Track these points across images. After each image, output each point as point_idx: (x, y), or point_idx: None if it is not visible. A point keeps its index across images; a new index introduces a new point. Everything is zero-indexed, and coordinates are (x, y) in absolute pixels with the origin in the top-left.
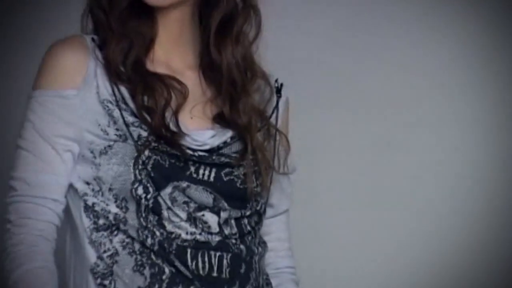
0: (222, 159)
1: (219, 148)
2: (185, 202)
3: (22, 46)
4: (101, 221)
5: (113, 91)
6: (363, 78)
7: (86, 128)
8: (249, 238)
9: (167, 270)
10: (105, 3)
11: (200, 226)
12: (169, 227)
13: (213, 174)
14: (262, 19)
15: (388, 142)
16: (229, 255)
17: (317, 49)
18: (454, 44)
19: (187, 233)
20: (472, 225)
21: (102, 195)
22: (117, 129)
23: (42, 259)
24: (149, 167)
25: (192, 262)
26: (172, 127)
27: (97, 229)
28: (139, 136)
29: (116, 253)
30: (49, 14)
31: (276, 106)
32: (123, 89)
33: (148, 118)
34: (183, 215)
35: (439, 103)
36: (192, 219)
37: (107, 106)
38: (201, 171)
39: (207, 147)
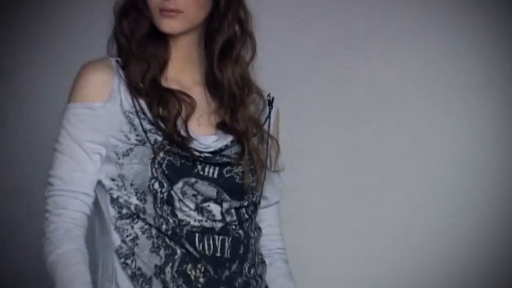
0: (224, 159)
1: (221, 150)
2: (193, 195)
3: (60, 64)
4: (124, 211)
5: (133, 103)
6: (351, 83)
7: (111, 134)
8: (247, 224)
9: (178, 251)
10: (127, 31)
11: (206, 214)
12: (180, 215)
13: (216, 172)
14: (257, 42)
15: (381, 145)
16: (230, 238)
17: (307, 66)
18: (451, 45)
19: (195, 221)
20: (471, 225)
21: (125, 189)
22: (137, 135)
23: (75, 243)
24: (163, 166)
25: (199, 244)
26: (183, 133)
27: (121, 217)
28: (155, 140)
29: (137, 237)
30: (81, 38)
31: (269, 116)
32: (142, 102)
33: (163, 126)
34: (192, 206)
35: (434, 106)
36: (199, 209)
37: (129, 116)
38: (206, 169)
39: (211, 150)
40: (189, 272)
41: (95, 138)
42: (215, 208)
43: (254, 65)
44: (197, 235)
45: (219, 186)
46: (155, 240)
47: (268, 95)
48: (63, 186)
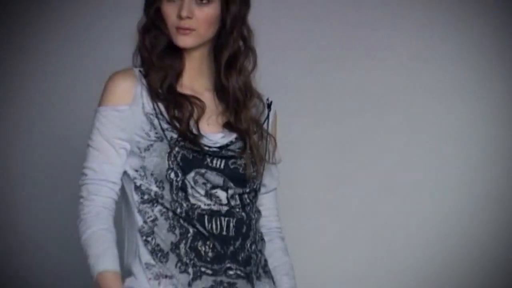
0: (229, 153)
1: (227, 145)
2: (203, 183)
3: (91, 75)
4: (145, 197)
5: (153, 106)
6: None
7: (135, 132)
8: (248, 208)
9: (191, 230)
10: (149, 46)
11: (214, 199)
12: (192, 200)
13: (223, 163)
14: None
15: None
16: (234, 219)
17: (301, 73)
18: (451, 45)
19: (205, 205)
20: (471, 224)
21: (146, 178)
22: (156, 133)
23: (105, 223)
24: (178, 159)
25: (208, 224)
26: (194, 131)
27: (143, 202)
28: (171, 137)
29: (156, 218)
30: (109, 50)
31: (267, 117)
32: (160, 105)
33: (178, 125)
34: (202, 192)
35: (434, 106)
36: (208, 195)
37: (149, 117)
38: (214, 161)
39: (218, 145)
40: (199, 248)
41: (121, 135)
42: (221, 194)
43: (255, 74)
44: (206, 217)
45: (225, 176)
46: (171, 221)
47: (267, 99)
48: (94, 176)
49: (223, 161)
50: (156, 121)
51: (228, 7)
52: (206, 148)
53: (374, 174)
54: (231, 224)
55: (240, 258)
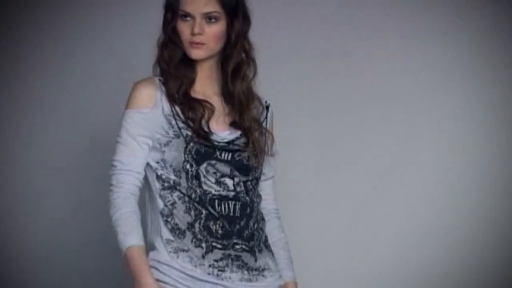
0: (235, 147)
1: (233, 141)
2: (213, 172)
3: (117, 82)
4: (165, 184)
5: (171, 109)
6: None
7: (155, 130)
8: (251, 193)
9: (204, 212)
10: (167, 58)
11: (223, 186)
12: (204, 187)
13: (229, 156)
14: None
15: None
16: (240, 203)
17: (296, 78)
18: (451, 45)
19: (215, 190)
20: (470, 224)
21: (166, 169)
22: (174, 131)
23: (131, 206)
24: (192, 152)
25: (218, 207)
26: (206, 129)
27: (163, 189)
28: (187, 135)
29: (175, 202)
30: (133, 61)
31: (266, 117)
32: (177, 108)
33: (192, 124)
34: (213, 180)
35: (434, 106)
36: (218, 182)
37: (168, 118)
38: (223, 154)
39: (226, 140)
40: (211, 227)
41: (144, 133)
42: (229, 182)
43: (255, 80)
44: (216, 201)
45: (232, 166)
46: (187, 204)
47: (266, 101)
48: (122, 167)
49: (230, 154)
50: (173, 121)
51: (232, 25)
52: (216, 143)
53: (364, 170)
54: (237, 207)
55: (245, 235)
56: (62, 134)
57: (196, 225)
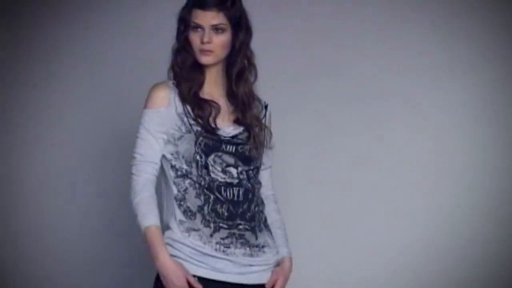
0: (238, 141)
1: (236, 135)
2: (220, 163)
3: (134, 85)
4: (179, 173)
5: (183, 108)
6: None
7: (170, 126)
8: (252, 180)
9: (212, 197)
10: (180, 63)
11: (228, 174)
12: (212, 175)
13: (234, 148)
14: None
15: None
16: (243, 189)
17: (291, 80)
18: (452, 45)
19: (221, 178)
20: (470, 224)
21: (179, 160)
22: (185, 127)
23: (149, 192)
24: (202, 146)
25: (224, 193)
26: (213, 125)
27: (177, 177)
28: (197, 130)
29: (187, 189)
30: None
31: (265, 115)
32: (188, 107)
33: (201, 122)
34: (219, 169)
35: (434, 106)
36: (224, 171)
37: (180, 116)
38: (228, 147)
39: (230, 135)
40: (218, 210)
41: (160, 129)
42: (233, 171)
43: (256, 83)
44: (223, 187)
45: (235, 157)
46: (198, 190)
47: (264, 102)
48: (141, 158)
49: (234, 147)
50: (185, 119)
51: (237, 35)
52: (222, 138)
53: (352, 162)
54: (240, 192)
55: (247, 216)
56: (86, 131)
57: (205, 208)
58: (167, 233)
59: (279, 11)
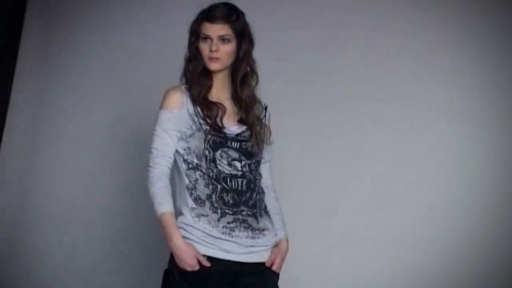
0: (242, 138)
1: (240, 133)
2: (226, 157)
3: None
4: (190, 166)
5: (194, 109)
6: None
7: (182, 125)
8: (254, 172)
9: (219, 186)
10: (191, 70)
11: (233, 167)
12: (219, 168)
13: (238, 145)
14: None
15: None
16: (246, 179)
17: (288, 83)
18: (453, 46)
19: (227, 171)
20: (471, 225)
21: (190, 154)
22: (196, 126)
23: (164, 182)
24: (210, 142)
25: (230, 183)
26: (220, 125)
27: (189, 169)
28: (206, 129)
29: (197, 179)
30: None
31: (265, 115)
32: (198, 108)
33: (209, 121)
34: (226, 163)
35: (434, 105)
36: (229, 164)
37: (191, 116)
38: (233, 143)
39: (235, 133)
40: (224, 198)
41: (174, 128)
42: (237, 164)
43: (257, 87)
44: (228, 178)
45: (239, 152)
46: (207, 181)
47: (264, 104)
48: (157, 153)
49: (238, 143)
50: (196, 119)
51: (241, 45)
52: (227, 135)
53: (343, 157)
54: (244, 183)
55: (249, 204)
56: (107, 128)
57: (213, 196)
58: (180, 218)
59: (275, 22)
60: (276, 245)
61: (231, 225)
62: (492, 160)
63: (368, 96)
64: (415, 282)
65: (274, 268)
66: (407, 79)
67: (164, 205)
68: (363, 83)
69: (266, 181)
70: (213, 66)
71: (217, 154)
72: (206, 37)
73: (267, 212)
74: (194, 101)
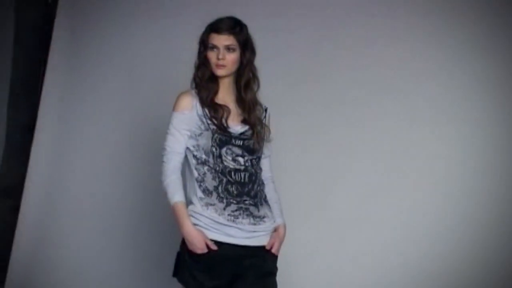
0: (245, 136)
1: (243, 132)
2: (231, 153)
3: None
4: (199, 161)
5: (202, 111)
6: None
7: (192, 125)
8: (255, 167)
9: (224, 179)
10: (200, 76)
11: (237, 162)
12: (225, 163)
13: (241, 142)
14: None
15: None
16: (248, 173)
17: (287, 85)
18: (453, 45)
19: (232, 165)
20: (471, 223)
21: (199, 151)
22: (204, 126)
23: (176, 175)
24: (217, 140)
25: (234, 176)
26: (225, 125)
27: (198, 164)
28: (213, 129)
29: (205, 173)
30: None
31: (265, 116)
32: (206, 110)
33: (216, 122)
34: (230, 158)
35: (434, 105)
36: (234, 160)
37: (200, 117)
38: (237, 141)
39: (238, 132)
40: (229, 189)
41: (185, 127)
42: (241, 159)
43: (258, 91)
44: (232, 172)
45: (243, 149)
46: (214, 174)
47: (265, 106)
48: (170, 150)
49: (241, 141)
50: (204, 119)
51: (244, 54)
52: (232, 134)
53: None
54: (246, 176)
55: (251, 194)
56: (126, 130)
57: (219, 188)
58: (190, 207)
59: (274, 27)
60: (275, 230)
61: (235, 213)
62: (492, 160)
63: (367, 96)
64: (410, 276)
65: (273, 251)
66: (407, 79)
67: (176, 196)
68: (362, 83)
69: (266, 174)
70: (219, 72)
71: (223, 150)
72: (214, 47)
73: (266, 201)
74: (203, 103)
